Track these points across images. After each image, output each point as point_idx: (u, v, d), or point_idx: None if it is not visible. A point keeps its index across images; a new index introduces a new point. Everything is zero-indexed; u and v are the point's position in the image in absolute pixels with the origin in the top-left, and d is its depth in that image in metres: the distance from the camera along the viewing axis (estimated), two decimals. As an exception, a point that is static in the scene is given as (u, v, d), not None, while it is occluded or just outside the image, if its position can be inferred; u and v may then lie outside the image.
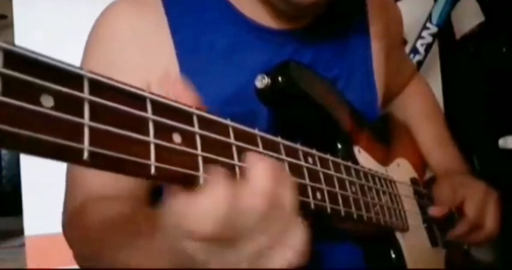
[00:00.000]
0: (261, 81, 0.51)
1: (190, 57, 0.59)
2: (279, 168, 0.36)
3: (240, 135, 0.37)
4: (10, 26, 1.40)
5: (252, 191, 0.34)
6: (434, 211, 0.70)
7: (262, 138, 0.39)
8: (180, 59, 0.59)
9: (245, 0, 0.62)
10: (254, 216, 0.34)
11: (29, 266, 1.37)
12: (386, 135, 0.73)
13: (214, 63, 0.60)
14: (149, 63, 0.58)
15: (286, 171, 0.38)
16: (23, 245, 1.43)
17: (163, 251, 0.38)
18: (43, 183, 1.32)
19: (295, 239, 0.36)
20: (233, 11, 0.62)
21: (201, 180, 0.32)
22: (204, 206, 0.32)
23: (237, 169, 0.36)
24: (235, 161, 0.36)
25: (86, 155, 0.26)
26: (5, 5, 1.69)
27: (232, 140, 0.36)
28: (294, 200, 0.36)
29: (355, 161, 0.58)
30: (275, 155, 0.40)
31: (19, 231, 1.60)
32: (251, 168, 0.35)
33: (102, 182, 0.57)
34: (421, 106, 0.89)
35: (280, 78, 0.51)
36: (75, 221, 0.56)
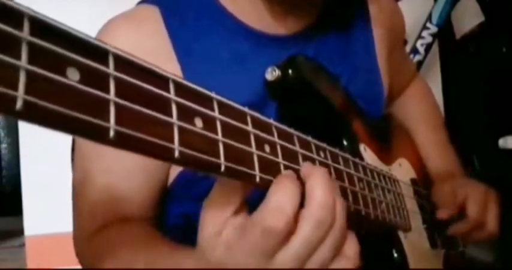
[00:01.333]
0: (271, 74, 0.51)
1: (194, 69, 0.59)
2: (329, 176, 0.39)
3: (257, 123, 0.37)
4: (10, 26, 1.39)
5: (317, 205, 0.36)
6: (442, 214, 0.71)
7: (277, 128, 0.39)
8: (184, 72, 0.58)
9: (244, 8, 0.62)
10: (322, 228, 0.36)
11: (29, 266, 1.37)
12: (388, 135, 0.74)
13: (217, 73, 0.59)
14: None
15: (333, 178, 0.42)
16: (23, 245, 1.43)
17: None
18: (43, 183, 1.32)
19: (351, 250, 0.39)
20: (233, 21, 0.61)
21: (223, 168, 0.32)
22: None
23: (255, 157, 0.35)
24: (253, 149, 0.35)
25: (112, 134, 0.25)
26: (5, 5, 1.69)
27: (250, 127, 0.36)
28: (345, 210, 0.39)
29: (361, 159, 0.58)
30: (289, 146, 0.40)
31: (19, 231, 1.60)
32: (309, 179, 0.37)
33: (113, 182, 0.57)
34: (420, 108, 0.89)
35: (290, 71, 0.51)
36: (87, 245, 0.57)
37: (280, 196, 0.35)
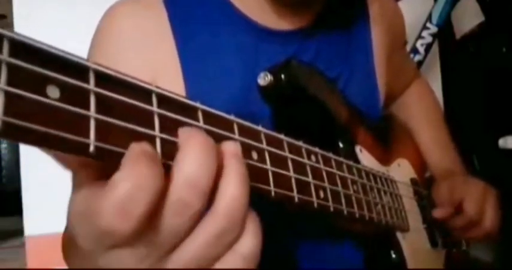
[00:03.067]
0: (264, 79, 0.51)
1: (192, 58, 0.59)
2: (215, 147, 0.28)
3: (244, 131, 0.36)
4: (10, 26, 1.40)
5: (183, 177, 0.26)
6: (438, 213, 0.71)
7: (266, 134, 0.39)
8: (182, 60, 0.59)
9: (248, 2, 0.62)
10: (183, 213, 0.26)
11: (29, 266, 1.37)
12: (388, 135, 0.74)
13: (215, 64, 0.60)
14: (153, 63, 0.58)
15: (233, 149, 0.31)
16: (23, 245, 1.43)
17: None
18: (43, 183, 1.32)
19: (246, 246, 0.29)
20: (235, 12, 0.62)
21: None
22: (114, 197, 0.24)
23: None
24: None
25: (92, 149, 0.25)
26: (5, 5, 1.69)
27: (236, 136, 0.35)
28: (243, 196, 0.28)
29: (356, 161, 0.58)
30: (279, 152, 0.40)
31: (19, 231, 1.60)
32: (181, 147, 0.28)
33: None
34: (421, 108, 0.89)
35: (283, 76, 0.51)
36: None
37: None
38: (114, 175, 0.25)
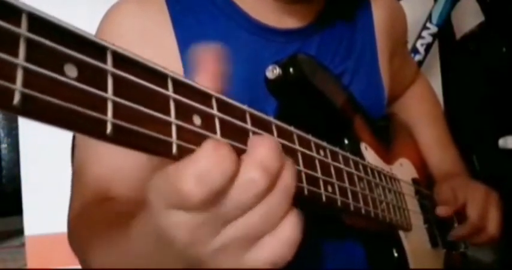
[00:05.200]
0: (272, 72, 0.51)
1: (193, 57, 0.59)
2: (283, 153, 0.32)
3: (256, 121, 0.36)
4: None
5: (254, 162, 0.30)
6: (441, 210, 0.70)
7: (277, 126, 0.39)
8: (183, 59, 0.59)
9: (249, 1, 0.62)
10: (251, 189, 0.30)
11: (29, 266, 1.37)
12: (390, 134, 0.74)
13: None
14: (155, 61, 0.58)
15: (291, 160, 0.34)
16: (23, 245, 1.43)
17: (141, 240, 0.35)
18: (43, 183, 1.32)
19: (288, 231, 0.32)
20: (237, 11, 0.62)
21: None
22: (196, 168, 0.28)
23: None
24: None
25: (109, 129, 0.25)
26: (5, 5, 1.69)
27: (249, 125, 0.35)
28: (294, 187, 0.32)
29: (362, 158, 0.58)
30: (289, 144, 0.39)
31: (19, 231, 1.60)
32: (256, 141, 0.32)
33: (112, 171, 0.56)
34: (422, 108, 0.89)
35: (291, 69, 0.51)
36: (76, 222, 0.56)
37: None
38: (197, 151, 0.28)
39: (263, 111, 0.56)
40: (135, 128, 0.26)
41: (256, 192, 0.30)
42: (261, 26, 0.62)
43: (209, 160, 0.28)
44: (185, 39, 0.59)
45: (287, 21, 0.63)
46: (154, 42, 0.59)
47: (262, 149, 0.31)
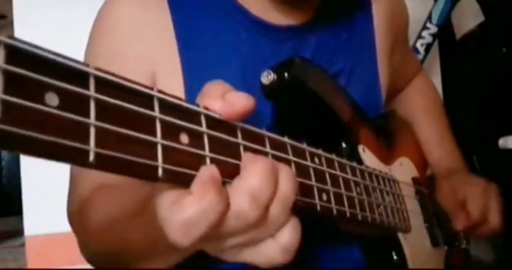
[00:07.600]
0: (267, 77, 0.51)
1: (191, 51, 0.59)
2: (276, 167, 0.34)
3: (248, 135, 0.36)
4: (10, 25, 1.40)
5: (245, 192, 0.31)
6: (459, 225, 0.70)
7: (269, 138, 0.39)
8: (181, 52, 0.59)
9: None
10: (242, 220, 0.31)
11: (29, 266, 1.37)
12: (389, 133, 0.73)
13: (215, 57, 0.60)
14: (152, 53, 0.58)
15: (289, 169, 0.35)
16: (23, 245, 1.43)
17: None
18: (43, 183, 1.32)
19: (287, 236, 0.34)
20: (235, 7, 0.62)
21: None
22: (183, 216, 0.30)
23: None
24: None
25: (92, 157, 0.25)
26: (5, 5, 1.69)
27: (240, 140, 0.35)
28: (293, 197, 0.34)
29: (359, 161, 0.58)
30: (282, 155, 0.39)
31: (19, 231, 1.60)
32: (244, 167, 0.33)
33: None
34: (423, 103, 0.89)
35: (286, 74, 0.51)
36: (83, 210, 0.55)
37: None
38: (185, 198, 0.30)
39: (262, 109, 0.56)
40: (117, 155, 0.26)
41: (248, 222, 0.32)
42: (259, 22, 0.62)
43: (195, 209, 0.29)
44: (184, 33, 0.60)
45: (285, 18, 0.63)
46: (152, 34, 0.59)
47: (253, 179, 0.32)
